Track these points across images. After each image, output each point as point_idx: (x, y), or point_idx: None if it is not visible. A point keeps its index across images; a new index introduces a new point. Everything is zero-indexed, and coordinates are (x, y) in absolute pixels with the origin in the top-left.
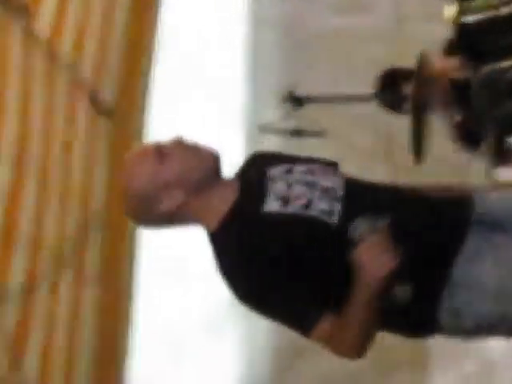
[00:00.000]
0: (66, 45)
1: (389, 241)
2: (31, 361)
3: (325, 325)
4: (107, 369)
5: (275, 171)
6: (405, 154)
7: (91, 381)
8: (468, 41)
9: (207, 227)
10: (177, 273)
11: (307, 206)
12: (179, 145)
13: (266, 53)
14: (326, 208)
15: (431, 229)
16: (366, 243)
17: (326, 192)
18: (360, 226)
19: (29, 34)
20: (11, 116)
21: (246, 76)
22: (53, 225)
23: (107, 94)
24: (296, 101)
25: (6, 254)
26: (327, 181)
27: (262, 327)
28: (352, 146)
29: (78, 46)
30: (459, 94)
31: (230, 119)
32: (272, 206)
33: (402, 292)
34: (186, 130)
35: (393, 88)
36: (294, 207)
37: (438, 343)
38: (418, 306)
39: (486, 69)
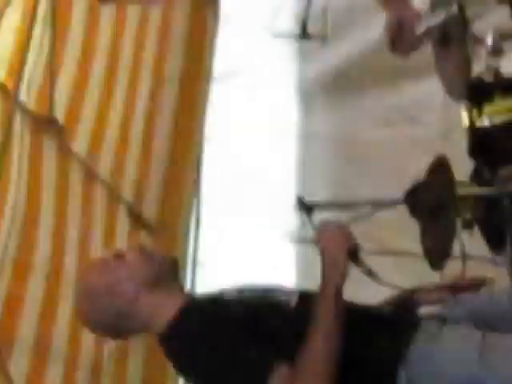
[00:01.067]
0: (104, 162)
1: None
2: None
3: (283, 369)
4: None
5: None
6: None
7: None
8: (484, 145)
9: (157, 327)
10: None
11: (264, 292)
12: (135, 248)
13: (317, 166)
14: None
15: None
16: (324, 227)
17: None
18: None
19: (64, 152)
20: (46, 232)
21: (297, 188)
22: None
23: (148, 209)
24: (306, 208)
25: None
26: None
27: None
28: None
29: (117, 162)
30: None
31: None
32: (230, 294)
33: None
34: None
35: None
36: (249, 293)
37: None
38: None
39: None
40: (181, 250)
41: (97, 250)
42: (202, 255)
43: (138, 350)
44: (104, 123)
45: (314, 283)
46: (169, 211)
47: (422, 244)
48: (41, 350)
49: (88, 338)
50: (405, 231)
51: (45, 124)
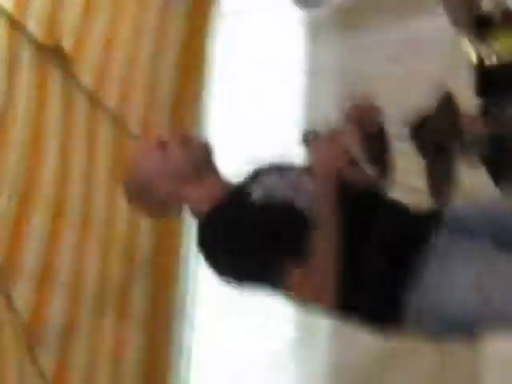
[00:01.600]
0: (110, 92)
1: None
2: None
3: (297, 270)
4: None
5: (265, 176)
6: None
7: None
8: (492, 83)
9: (198, 213)
10: (236, 309)
11: (292, 196)
12: (177, 138)
13: (321, 100)
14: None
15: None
16: (319, 139)
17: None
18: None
19: (69, 80)
20: (51, 160)
21: (301, 123)
22: (95, 268)
23: None
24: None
25: (44, 295)
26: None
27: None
28: None
29: (123, 93)
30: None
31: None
32: (257, 194)
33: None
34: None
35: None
36: (279, 193)
37: None
38: (385, 295)
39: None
40: None
41: (102, 181)
42: None
43: (143, 281)
44: (111, 54)
45: None
46: None
47: (426, 179)
48: (45, 277)
49: (92, 267)
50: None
51: (51, 52)
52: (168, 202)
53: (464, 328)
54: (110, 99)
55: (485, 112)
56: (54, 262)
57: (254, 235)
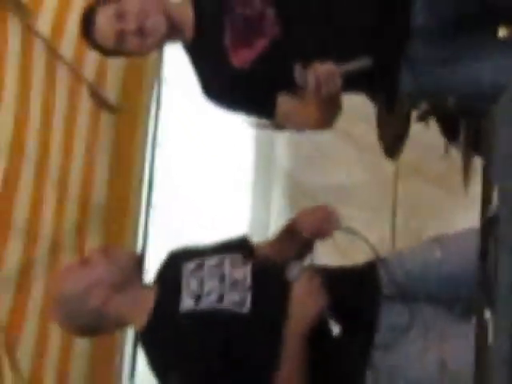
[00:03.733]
0: (67, 42)
1: (320, 281)
2: (25, 349)
3: None
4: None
5: (188, 268)
6: None
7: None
8: None
9: (134, 326)
10: None
11: (219, 299)
12: (100, 251)
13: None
14: (237, 299)
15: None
16: (301, 282)
17: (236, 283)
18: (294, 269)
19: (29, 31)
20: (9, 107)
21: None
22: (51, 213)
23: (110, 90)
24: None
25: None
26: (236, 272)
27: None
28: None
29: (79, 44)
30: None
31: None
32: (186, 304)
33: (334, 326)
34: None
35: None
36: (206, 303)
37: None
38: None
39: None
40: (141, 130)
41: (59, 129)
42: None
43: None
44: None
45: None
46: (130, 92)
47: (377, 129)
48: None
49: (48, 211)
50: None
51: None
52: (99, 317)
53: None
54: (68, 50)
55: None
56: (10, 208)
57: (196, 357)
